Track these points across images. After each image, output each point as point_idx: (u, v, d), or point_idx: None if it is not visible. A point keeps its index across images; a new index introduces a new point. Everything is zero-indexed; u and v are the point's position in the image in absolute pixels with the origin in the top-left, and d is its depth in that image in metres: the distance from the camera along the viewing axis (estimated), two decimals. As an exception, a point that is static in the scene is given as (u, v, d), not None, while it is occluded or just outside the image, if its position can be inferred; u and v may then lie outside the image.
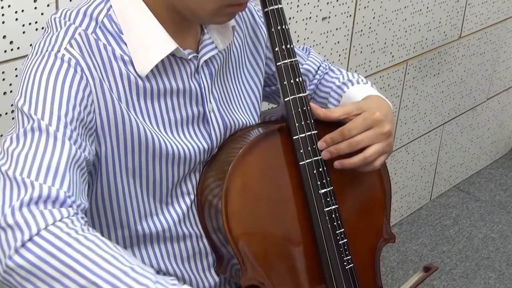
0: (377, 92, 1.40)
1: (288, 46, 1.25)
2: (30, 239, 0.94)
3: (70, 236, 0.94)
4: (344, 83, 1.42)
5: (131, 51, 1.16)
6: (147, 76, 1.17)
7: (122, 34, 1.16)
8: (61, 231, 0.95)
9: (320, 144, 1.25)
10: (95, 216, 1.23)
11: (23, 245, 0.93)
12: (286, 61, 1.25)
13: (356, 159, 1.25)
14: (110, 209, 1.22)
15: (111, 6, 1.17)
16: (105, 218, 1.23)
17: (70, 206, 1.00)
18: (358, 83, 1.41)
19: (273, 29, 1.25)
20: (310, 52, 1.52)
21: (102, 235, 1.24)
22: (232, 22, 1.28)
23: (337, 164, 1.26)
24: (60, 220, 0.96)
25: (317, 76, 1.49)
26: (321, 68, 1.51)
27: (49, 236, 0.94)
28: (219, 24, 1.24)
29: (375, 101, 1.33)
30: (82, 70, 1.11)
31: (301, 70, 1.45)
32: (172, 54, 1.19)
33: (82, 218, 1.00)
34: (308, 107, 1.26)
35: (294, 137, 1.25)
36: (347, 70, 1.53)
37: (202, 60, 1.24)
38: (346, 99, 1.39)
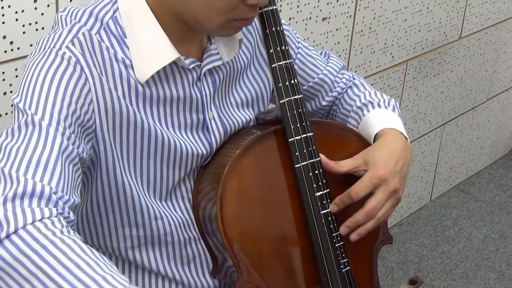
0: (397, 117, 1.39)
1: (283, 47, 1.25)
2: (7, 236, 0.93)
3: (46, 238, 0.93)
4: (364, 104, 1.40)
5: (133, 56, 1.16)
6: (146, 82, 1.17)
7: (126, 37, 1.16)
8: (39, 232, 0.94)
9: (332, 207, 1.27)
10: (96, 215, 1.23)
11: (0, 241, 0.93)
12: (281, 62, 1.25)
13: (370, 225, 1.27)
14: (111, 207, 1.21)
15: (118, 8, 1.16)
16: (106, 216, 1.23)
17: (56, 203, 0.99)
18: (379, 106, 1.39)
19: (267, 31, 1.25)
20: (330, 57, 1.49)
21: (103, 233, 1.24)
22: (239, 36, 1.27)
23: (354, 236, 1.27)
24: (40, 220, 0.95)
25: (338, 89, 1.46)
26: (345, 75, 1.48)
27: (26, 236, 0.93)
28: (226, 36, 1.23)
29: (387, 144, 1.31)
30: (81, 68, 1.11)
31: (318, 77, 1.44)
32: (174, 62, 1.19)
33: (66, 218, 1.00)
34: (304, 109, 1.25)
35: (289, 140, 1.24)
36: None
37: (204, 69, 1.23)
38: (363, 126, 1.38)
